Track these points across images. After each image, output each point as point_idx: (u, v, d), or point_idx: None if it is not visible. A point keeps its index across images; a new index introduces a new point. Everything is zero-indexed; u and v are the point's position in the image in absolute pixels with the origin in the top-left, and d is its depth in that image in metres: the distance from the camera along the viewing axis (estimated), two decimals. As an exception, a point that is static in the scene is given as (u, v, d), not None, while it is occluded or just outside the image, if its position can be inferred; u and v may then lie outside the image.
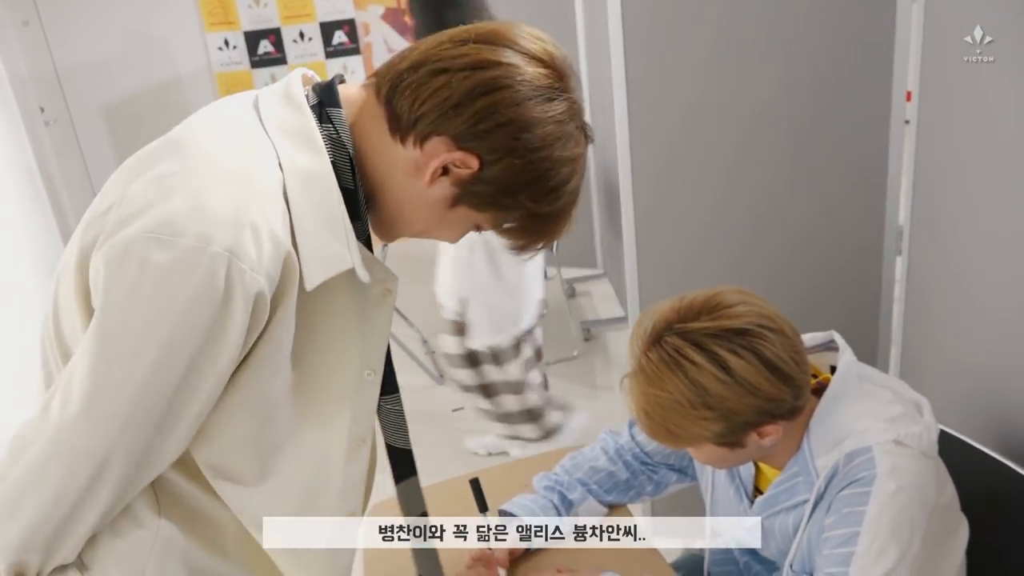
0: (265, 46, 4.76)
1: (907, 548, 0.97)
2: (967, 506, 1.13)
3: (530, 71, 0.80)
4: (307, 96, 0.84)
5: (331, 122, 0.82)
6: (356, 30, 4.94)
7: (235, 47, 4.72)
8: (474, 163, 0.81)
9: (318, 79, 0.90)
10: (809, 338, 1.18)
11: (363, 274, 0.82)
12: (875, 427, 1.03)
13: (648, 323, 1.04)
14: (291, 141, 0.80)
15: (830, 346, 1.16)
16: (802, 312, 1.94)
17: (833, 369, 1.12)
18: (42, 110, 4.31)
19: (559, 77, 0.83)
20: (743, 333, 0.99)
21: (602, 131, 3.57)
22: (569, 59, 0.85)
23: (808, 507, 1.05)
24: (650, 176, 1.87)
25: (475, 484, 1.28)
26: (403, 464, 1.03)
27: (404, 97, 0.81)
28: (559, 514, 1.33)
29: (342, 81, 0.88)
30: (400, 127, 0.82)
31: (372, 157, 0.84)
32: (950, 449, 1.26)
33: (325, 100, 0.84)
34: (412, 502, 1.06)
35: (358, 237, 0.82)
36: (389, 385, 0.95)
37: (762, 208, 1.88)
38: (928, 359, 1.76)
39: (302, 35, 4.83)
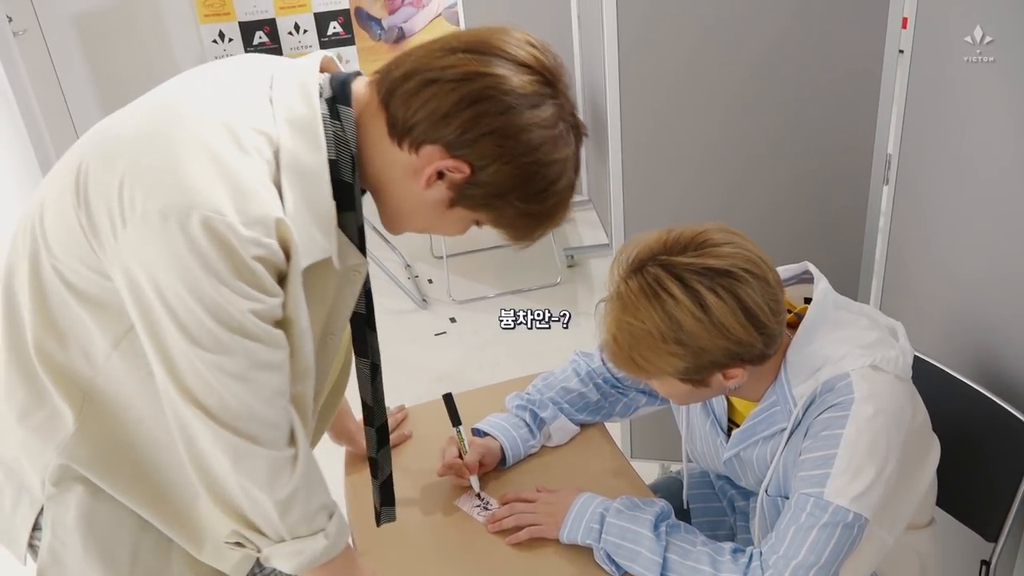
0: (260, 37, 4.72)
1: (883, 468, 0.99)
2: (938, 429, 1.16)
3: (516, 79, 0.84)
4: (321, 88, 0.87)
5: (340, 119, 0.86)
6: (350, 20, 4.90)
7: (231, 39, 4.69)
8: (466, 169, 0.85)
9: (339, 66, 0.94)
10: (784, 270, 1.18)
11: (337, 263, 0.89)
12: (852, 353, 1.04)
13: (632, 251, 1.03)
14: (295, 133, 0.84)
15: (803, 277, 1.16)
16: (788, 241, 1.98)
17: (808, 301, 1.13)
18: (10, 19, 4.15)
19: (547, 82, 0.86)
20: (726, 274, 0.98)
21: (589, 50, 3.51)
22: (558, 60, 0.88)
23: (785, 434, 1.07)
24: (639, 102, 1.84)
25: (448, 398, 1.30)
26: (368, 414, 1.14)
27: (399, 105, 0.85)
28: (531, 431, 1.35)
29: (359, 75, 0.92)
30: (396, 132, 0.86)
31: (374, 157, 0.89)
32: (925, 374, 1.28)
33: (338, 95, 0.88)
34: (370, 446, 1.16)
35: (349, 227, 0.89)
36: (365, 350, 1.07)
37: (751, 137, 1.86)
38: (909, 290, 1.78)
39: (297, 27, 4.79)
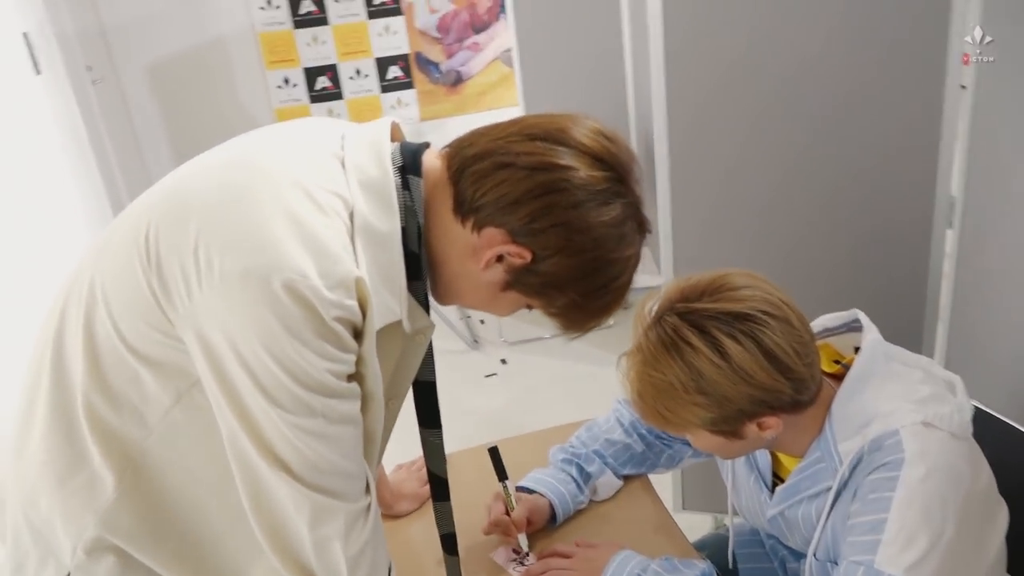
0: (323, 82, 4.92)
1: (939, 534, 0.93)
2: (1007, 492, 1.08)
3: (589, 174, 0.84)
4: (392, 155, 0.87)
5: (408, 189, 0.86)
6: (409, 65, 5.07)
7: (295, 85, 4.90)
8: (527, 256, 0.85)
9: (403, 133, 0.95)
10: (832, 318, 1.13)
11: (407, 326, 0.88)
12: (902, 409, 0.98)
13: (653, 302, 1.01)
14: (368, 197, 0.83)
15: (853, 326, 1.11)
16: (845, 285, 1.91)
17: (858, 350, 1.07)
18: (89, 68, 4.36)
19: (617, 178, 0.86)
20: (744, 318, 0.95)
21: (641, 86, 3.48)
22: (630, 153, 0.88)
23: (831, 494, 1.01)
24: (689, 140, 1.82)
25: (494, 452, 1.27)
26: (439, 488, 1.13)
27: (468, 184, 0.85)
28: (579, 487, 1.32)
29: (428, 146, 0.92)
30: (462, 210, 0.86)
31: (436, 230, 0.88)
32: (993, 432, 1.20)
33: (409, 166, 0.87)
34: (444, 521, 1.15)
35: (416, 294, 0.88)
36: (432, 420, 1.06)
37: (805, 174, 1.81)
38: (976, 338, 1.69)
39: (358, 72, 4.99)
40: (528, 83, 4.21)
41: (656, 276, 2.65)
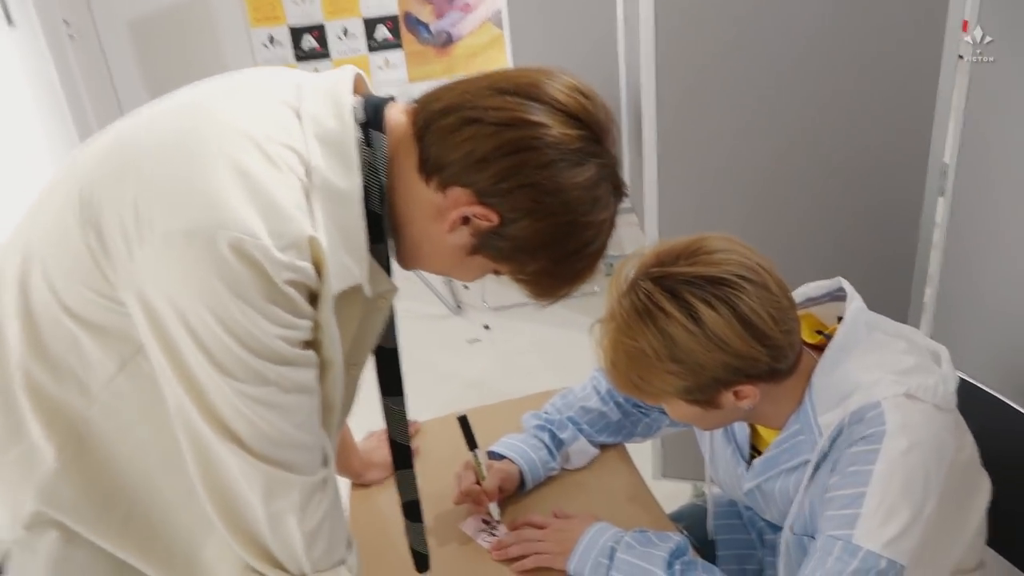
0: (309, 41, 4.80)
1: (920, 508, 0.90)
2: (989, 463, 1.05)
3: (563, 132, 0.78)
4: (355, 110, 0.81)
5: (371, 145, 0.80)
6: (398, 25, 4.95)
7: (280, 44, 4.78)
8: (494, 218, 0.80)
9: (369, 86, 0.88)
10: (814, 287, 1.09)
11: (368, 290, 0.83)
12: (885, 380, 0.95)
13: (629, 268, 0.97)
14: (326, 152, 0.78)
15: (837, 295, 1.07)
16: (835, 253, 1.88)
17: (841, 320, 1.03)
18: (66, 23, 4.24)
19: (593, 137, 0.81)
20: (719, 282, 0.91)
21: (633, 49, 3.42)
22: (608, 113, 0.83)
23: (810, 467, 0.98)
24: (677, 106, 1.76)
25: (463, 421, 1.23)
26: (401, 456, 1.09)
27: (433, 141, 0.80)
28: (550, 453, 1.28)
29: (392, 100, 0.86)
30: (427, 169, 0.81)
31: (400, 190, 0.83)
32: (976, 402, 1.18)
33: (371, 120, 0.82)
34: (406, 488, 1.11)
35: (378, 257, 0.83)
36: (394, 387, 1.01)
37: (795, 141, 1.76)
38: (964, 308, 1.66)
39: (345, 31, 4.86)
40: (517, 45, 4.13)
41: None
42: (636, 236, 3.68)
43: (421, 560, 1.12)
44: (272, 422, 0.77)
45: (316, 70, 5.16)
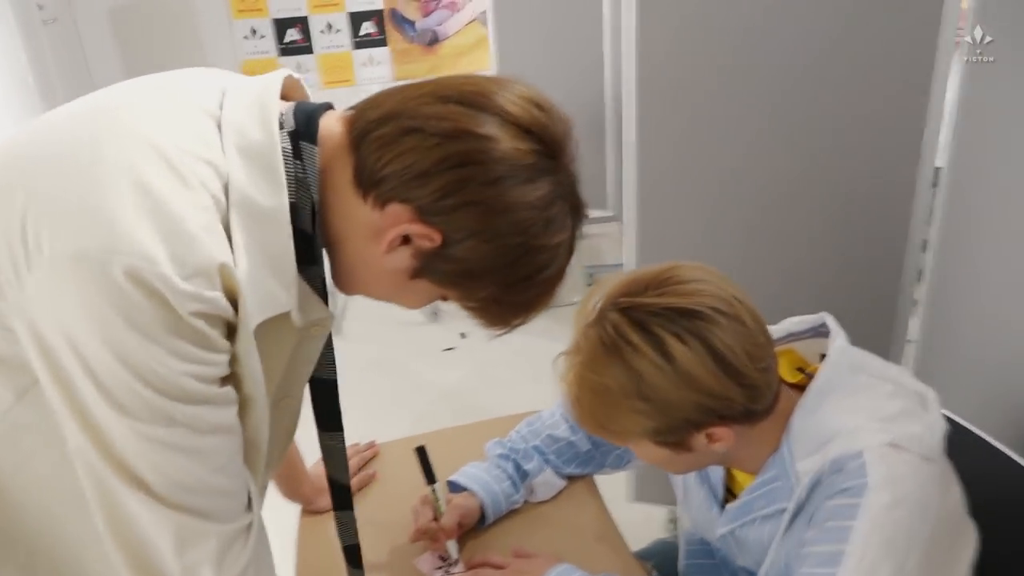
0: (292, 35, 4.77)
1: (901, 565, 0.83)
2: (977, 511, 0.99)
3: (512, 146, 0.71)
4: (283, 117, 0.73)
5: (301, 159, 0.72)
6: (384, 22, 4.93)
7: (263, 36, 4.73)
8: (437, 238, 0.72)
9: (306, 90, 0.80)
10: (797, 321, 1.03)
11: (298, 318, 0.76)
12: (868, 427, 0.88)
13: (596, 297, 0.90)
14: (248, 166, 0.69)
15: (821, 331, 1.01)
16: (819, 260, 1.80)
17: (824, 358, 0.97)
18: (40, 7, 4.13)
19: (547, 152, 0.73)
20: (690, 315, 0.84)
21: (619, 55, 3.37)
22: (566, 126, 0.75)
23: (786, 516, 0.92)
24: (660, 114, 1.70)
25: (421, 452, 1.15)
26: (340, 496, 1.02)
27: (370, 152, 0.72)
28: (514, 485, 1.21)
29: (329, 108, 0.78)
30: (362, 183, 0.73)
31: (334, 206, 0.75)
32: (963, 444, 1.11)
33: (302, 130, 0.73)
34: (346, 532, 1.04)
35: (311, 281, 0.75)
36: (332, 423, 0.95)
37: (781, 139, 1.70)
38: (951, 339, 1.60)
39: (329, 26, 4.83)
40: (503, 46, 4.04)
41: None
42: (619, 249, 3.62)
43: None
44: (183, 467, 0.69)
45: (299, 65, 5.07)
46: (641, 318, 0.85)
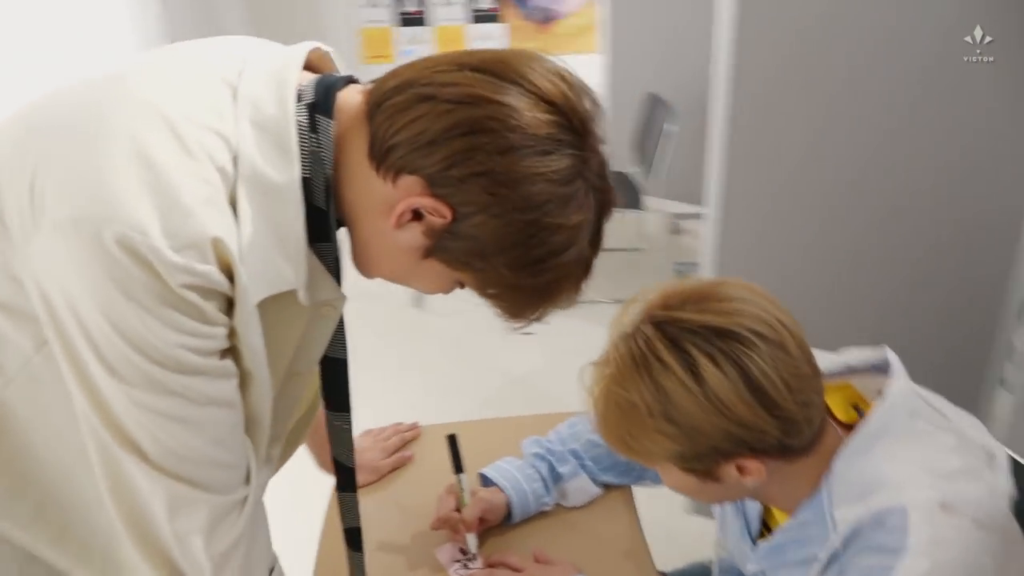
0: (411, 4, 4.74)
1: None
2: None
3: (530, 116, 0.66)
4: (302, 91, 0.71)
5: (317, 132, 0.70)
6: None
7: (378, 6, 4.73)
8: (447, 213, 0.68)
9: (335, 63, 0.78)
10: (857, 355, 0.94)
11: (304, 297, 0.73)
12: (918, 481, 0.80)
13: (636, 307, 0.84)
14: (260, 139, 0.68)
15: (882, 367, 0.92)
16: (914, 289, 1.68)
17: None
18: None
19: (569, 127, 0.68)
20: (727, 335, 0.78)
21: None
22: (594, 105, 0.71)
23: (817, 567, 0.84)
24: (749, 114, 1.61)
25: (452, 441, 1.13)
26: (344, 477, 0.98)
27: (382, 121, 0.69)
28: (545, 487, 1.18)
29: (352, 82, 0.75)
30: (375, 154, 0.70)
31: (349, 181, 0.72)
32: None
33: (320, 103, 0.71)
34: (348, 513, 1.01)
35: (324, 259, 0.73)
36: (339, 403, 0.90)
37: (879, 164, 1.59)
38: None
39: None
40: (617, 30, 3.95)
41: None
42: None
43: None
44: (178, 436, 0.69)
45: (414, 37, 5.10)
46: (675, 334, 0.80)
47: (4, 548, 0.79)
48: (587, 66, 4.90)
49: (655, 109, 3.44)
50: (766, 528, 1.00)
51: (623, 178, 3.53)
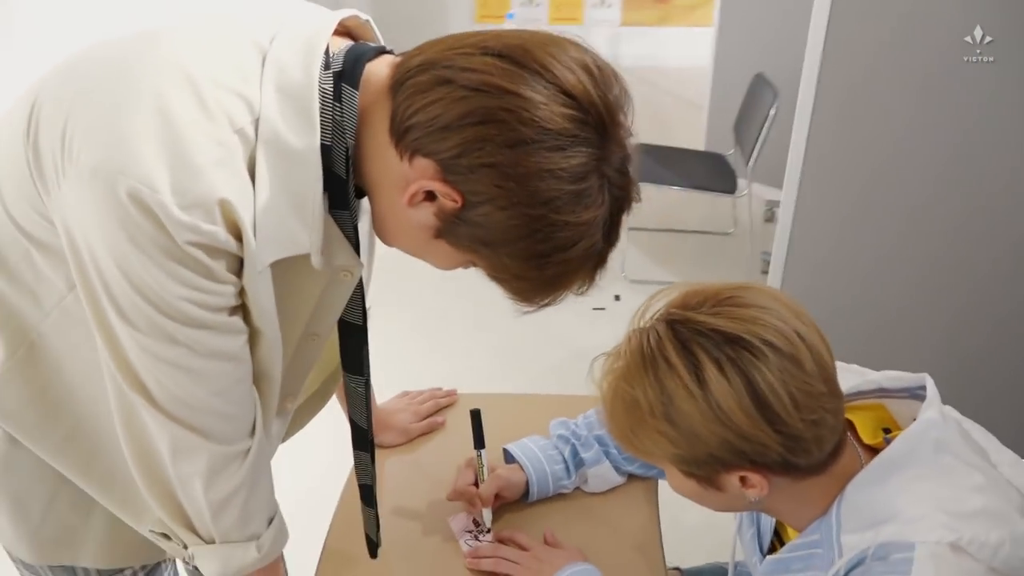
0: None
1: None
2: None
3: (546, 109, 0.65)
4: (332, 58, 0.72)
5: (341, 102, 0.71)
6: None
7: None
8: (458, 199, 0.69)
9: (374, 31, 0.78)
10: (893, 377, 0.88)
11: (318, 261, 0.74)
12: (932, 519, 0.74)
13: (657, 302, 0.82)
14: (284, 105, 0.68)
15: (918, 393, 0.86)
16: (992, 301, 1.58)
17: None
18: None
19: (587, 121, 0.66)
20: (738, 343, 0.74)
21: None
22: (619, 96, 0.69)
23: None
24: (833, 111, 1.52)
25: (475, 416, 1.13)
26: (359, 438, 1.00)
27: (403, 99, 0.69)
28: (566, 470, 1.17)
29: (385, 52, 0.75)
30: (394, 131, 0.70)
31: (370, 153, 0.73)
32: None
33: (347, 72, 0.71)
34: (362, 471, 1.03)
35: (343, 226, 0.75)
36: (355, 365, 0.91)
37: (959, 175, 1.51)
38: None
39: None
40: (728, 3, 3.79)
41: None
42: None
43: (372, 546, 1.06)
44: (183, 384, 0.72)
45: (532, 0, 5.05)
46: (686, 336, 0.77)
47: (43, 470, 0.85)
48: (699, 41, 4.74)
49: (761, 91, 3.30)
50: (780, 540, 0.96)
51: (718, 160, 3.42)
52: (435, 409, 1.35)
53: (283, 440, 1.03)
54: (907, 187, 1.57)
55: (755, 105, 3.30)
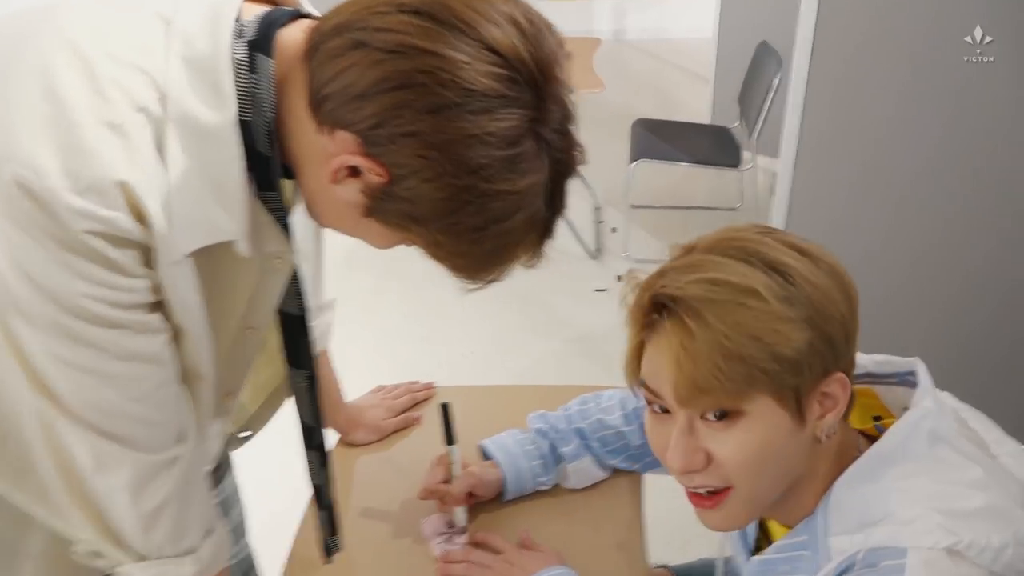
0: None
1: None
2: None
3: (470, 69, 0.59)
4: (244, 27, 0.65)
5: (255, 72, 0.64)
6: None
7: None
8: (383, 174, 0.62)
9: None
10: (880, 361, 0.80)
11: (247, 248, 0.68)
12: (927, 520, 0.67)
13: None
14: (192, 79, 0.63)
15: (907, 380, 0.78)
16: (985, 283, 1.51)
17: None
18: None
19: (517, 80, 0.60)
20: (815, 257, 0.70)
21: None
22: (555, 52, 0.62)
23: None
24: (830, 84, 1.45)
25: (444, 410, 1.06)
26: (305, 436, 0.95)
27: (318, 66, 0.63)
28: (544, 467, 1.10)
29: (300, 17, 0.69)
30: (312, 102, 0.64)
31: (292, 127, 0.67)
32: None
33: (261, 41, 0.65)
34: (313, 471, 0.97)
35: (271, 208, 0.69)
36: (298, 359, 0.87)
37: (955, 154, 1.46)
38: None
39: None
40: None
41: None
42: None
43: (326, 548, 1.00)
44: (95, 390, 0.66)
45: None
46: (769, 241, 0.71)
47: None
48: (705, 11, 4.62)
49: (766, 60, 3.19)
50: (767, 537, 0.89)
51: (723, 133, 3.31)
52: (410, 404, 1.28)
53: (250, 437, 0.99)
54: (907, 186, 1.52)
55: (759, 75, 3.19)
